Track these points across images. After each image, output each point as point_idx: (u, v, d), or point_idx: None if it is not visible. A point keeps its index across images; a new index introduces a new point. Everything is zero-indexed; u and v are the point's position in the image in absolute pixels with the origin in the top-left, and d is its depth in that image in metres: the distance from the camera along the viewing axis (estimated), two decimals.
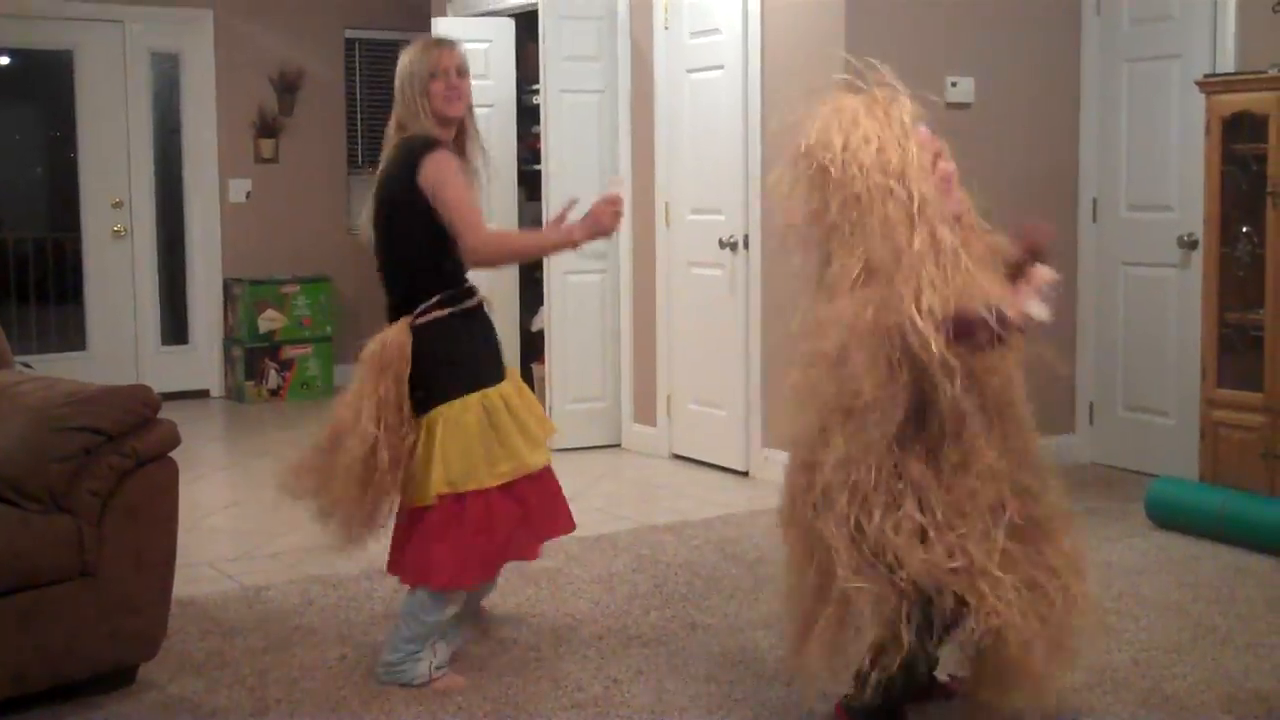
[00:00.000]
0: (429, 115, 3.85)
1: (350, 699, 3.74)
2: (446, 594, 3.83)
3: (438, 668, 3.85)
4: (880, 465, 3.16)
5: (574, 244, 3.86)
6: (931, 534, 3.14)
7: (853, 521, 3.17)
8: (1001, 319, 3.09)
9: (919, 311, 3.09)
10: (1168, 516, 5.41)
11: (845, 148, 3.22)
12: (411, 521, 3.88)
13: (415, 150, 3.78)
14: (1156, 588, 4.70)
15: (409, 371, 3.77)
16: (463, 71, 3.91)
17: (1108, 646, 4.08)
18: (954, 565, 3.11)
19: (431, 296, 3.80)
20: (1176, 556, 5.07)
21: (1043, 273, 3.24)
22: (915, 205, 3.17)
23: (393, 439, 3.75)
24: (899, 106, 3.29)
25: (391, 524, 3.99)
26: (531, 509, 3.90)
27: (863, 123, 3.24)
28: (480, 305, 3.93)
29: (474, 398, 3.79)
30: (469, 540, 3.77)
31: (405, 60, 3.90)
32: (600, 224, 3.83)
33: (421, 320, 3.79)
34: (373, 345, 3.81)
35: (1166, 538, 5.31)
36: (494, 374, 3.88)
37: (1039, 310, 3.14)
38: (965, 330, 3.11)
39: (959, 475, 3.18)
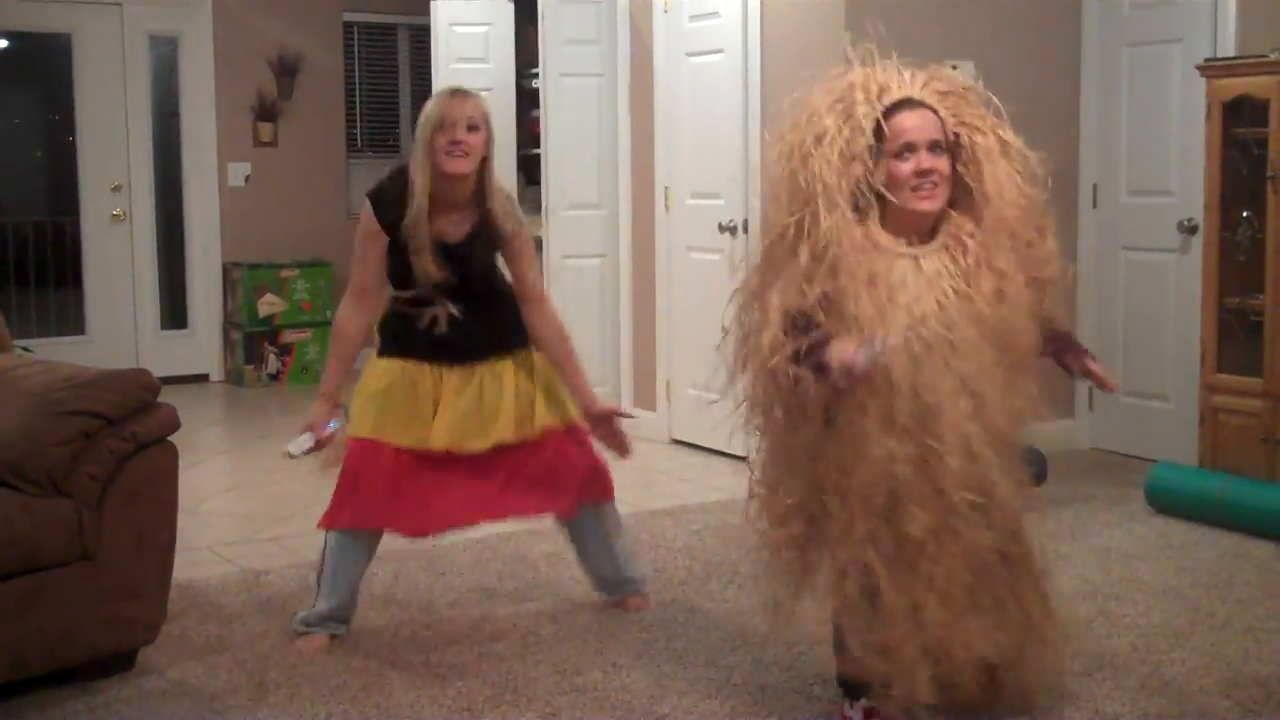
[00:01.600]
0: (426, 169, 3.84)
1: (350, 683, 3.75)
2: (332, 535, 3.99)
3: (302, 620, 4.03)
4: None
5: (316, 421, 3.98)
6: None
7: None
8: (820, 366, 2.99)
9: (769, 307, 3.09)
10: (1167, 502, 5.41)
11: (789, 142, 3.19)
12: None
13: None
14: (1156, 573, 4.70)
15: None
16: (475, 125, 3.86)
17: (1106, 632, 4.10)
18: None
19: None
20: (1176, 542, 5.07)
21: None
22: (807, 189, 3.08)
23: None
24: (877, 90, 3.18)
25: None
26: (407, 487, 3.94)
27: (820, 116, 3.15)
28: (431, 322, 3.98)
29: (382, 361, 4.00)
30: (341, 482, 3.97)
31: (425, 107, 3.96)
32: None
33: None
34: None
35: (1166, 523, 5.31)
36: (397, 349, 4.00)
37: (853, 364, 2.93)
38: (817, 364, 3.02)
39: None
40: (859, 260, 3.06)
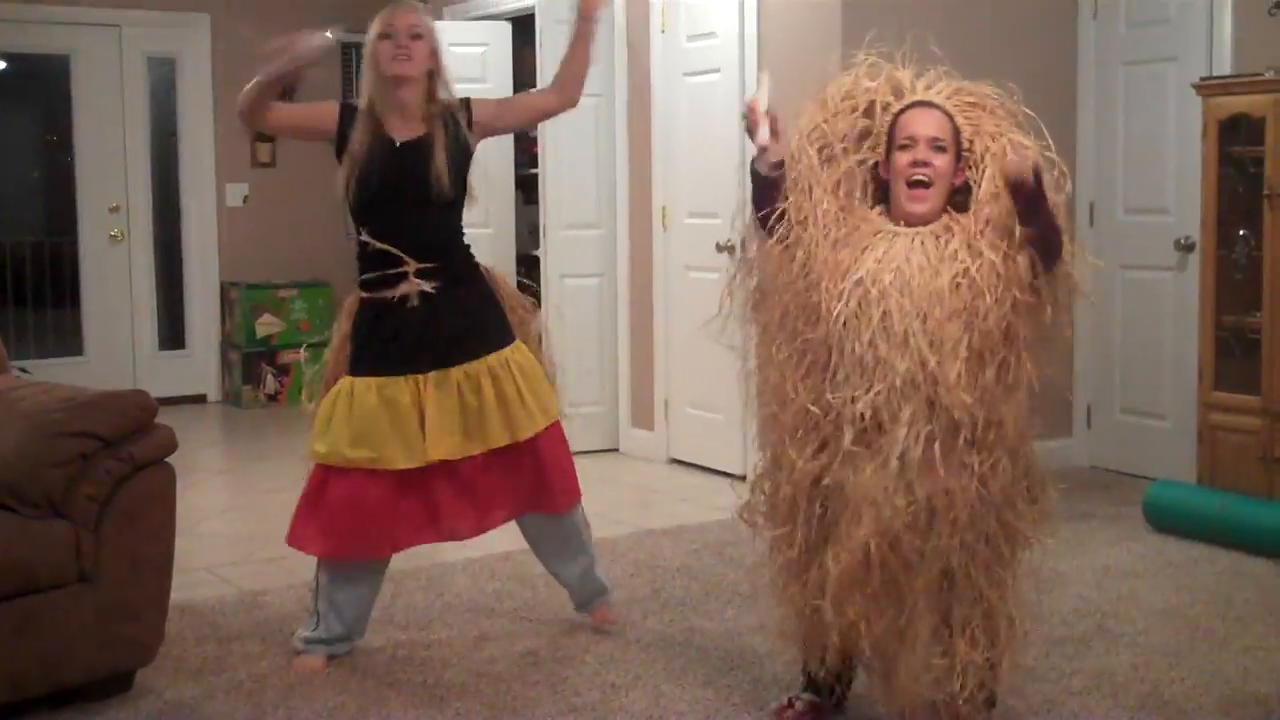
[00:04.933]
0: (372, 75, 3.91)
1: (347, 704, 3.74)
2: (322, 571, 4.03)
3: (302, 638, 4.03)
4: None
5: (275, 72, 4.00)
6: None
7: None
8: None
9: None
10: (1165, 520, 5.41)
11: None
12: None
13: None
14: (1154, 591, 4.70)
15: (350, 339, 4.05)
16: (418, 34, 3.90)
17: (1105, 650, 4.09)
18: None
19: (360, 276, 4.05)
20: (1174, 560, 5.07)
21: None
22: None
23: None
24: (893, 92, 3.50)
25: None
26: (380, 509, 3.93)
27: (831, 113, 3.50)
28: (401, 298, 3.91)
29: (347, 380, 3.95)
30: (304, 504, 4.00)
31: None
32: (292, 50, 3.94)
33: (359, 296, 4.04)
34: None
35: (1164, 541, 5.31)
36: (369, 366, 3.93)
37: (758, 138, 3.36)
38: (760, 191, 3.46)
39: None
40: (831, 221, 3.33)
